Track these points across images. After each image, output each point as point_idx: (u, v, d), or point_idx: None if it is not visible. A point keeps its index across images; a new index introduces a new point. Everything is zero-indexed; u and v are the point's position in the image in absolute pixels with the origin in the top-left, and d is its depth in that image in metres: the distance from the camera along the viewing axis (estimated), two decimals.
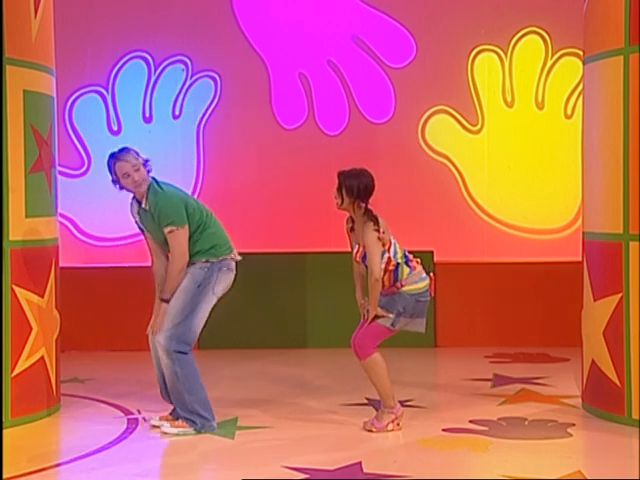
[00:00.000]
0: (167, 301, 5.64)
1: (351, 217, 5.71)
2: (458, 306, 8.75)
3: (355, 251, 5.66)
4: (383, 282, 5.55)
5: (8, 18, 5.76)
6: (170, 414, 5.80)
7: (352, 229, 5.73)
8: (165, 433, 5.61)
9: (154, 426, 5.74)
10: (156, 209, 5.61)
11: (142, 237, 5.97)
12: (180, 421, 5.67)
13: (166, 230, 5.60)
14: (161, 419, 5.78)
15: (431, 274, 5.71)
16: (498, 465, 4.91)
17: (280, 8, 9.37)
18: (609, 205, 5.77)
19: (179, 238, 5.61)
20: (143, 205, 5.66)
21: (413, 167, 9.30)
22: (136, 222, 5.84)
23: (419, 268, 5.66)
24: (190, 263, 5.65)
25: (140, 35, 9.35)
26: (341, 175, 5.63)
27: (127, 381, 7.26)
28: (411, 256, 5.68)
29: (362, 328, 5.66)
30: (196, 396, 5.66)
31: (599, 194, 5.89)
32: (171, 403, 5.80)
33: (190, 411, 5.64)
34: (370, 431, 5.58)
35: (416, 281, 5.60)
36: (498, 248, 9.23)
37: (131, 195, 5.76)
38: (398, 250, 5.62)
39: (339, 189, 5.59)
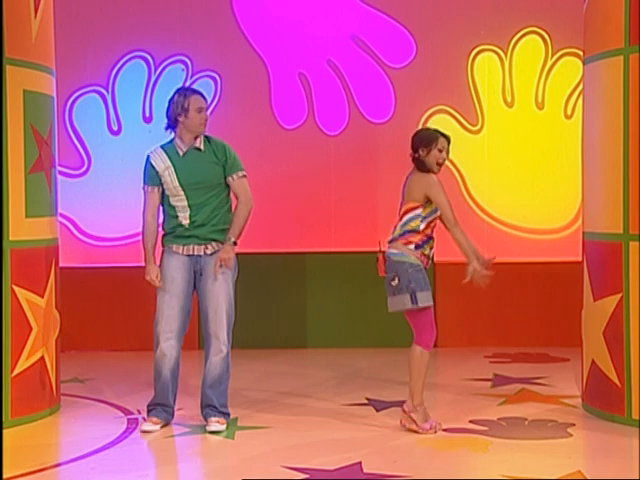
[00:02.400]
0: (236, 243, 5.67)
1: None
2: (458, 306, 8.74)
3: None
4: (412, 241, 5.61)
5: (8, 18, 5.76)
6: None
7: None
8: (219, 432, 5.54)
9: (145, 431, 5.61)
10: (230, 151, 5.76)
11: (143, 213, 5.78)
12: (216, 418, 5.61)
13: (239, 175, 5.75)
14: (154, 423, 5.67)
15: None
16: (498, 465, 4.91)
17: (280, 8, 9.37)
18: (609, 205, 5.77)
19: (247, 183, 5.78)
20: (197, 144, 5.74)
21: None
22: (156, 174, 5.66)
23: None
24: (221, 242, 5.68)
25: (140, 35, 9.35)
26: (436, 133, 5.82)
27: (127, 381, 7.26)
28: None
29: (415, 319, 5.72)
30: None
31: (599, 194, 5.89)
32: (169, 406, 5.72)
33: (226, 404, 5.69)
34: (417, 432, 5.51)
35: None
36: (498, 248, 9.19)
37: (159, 145, 5.78)
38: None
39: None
